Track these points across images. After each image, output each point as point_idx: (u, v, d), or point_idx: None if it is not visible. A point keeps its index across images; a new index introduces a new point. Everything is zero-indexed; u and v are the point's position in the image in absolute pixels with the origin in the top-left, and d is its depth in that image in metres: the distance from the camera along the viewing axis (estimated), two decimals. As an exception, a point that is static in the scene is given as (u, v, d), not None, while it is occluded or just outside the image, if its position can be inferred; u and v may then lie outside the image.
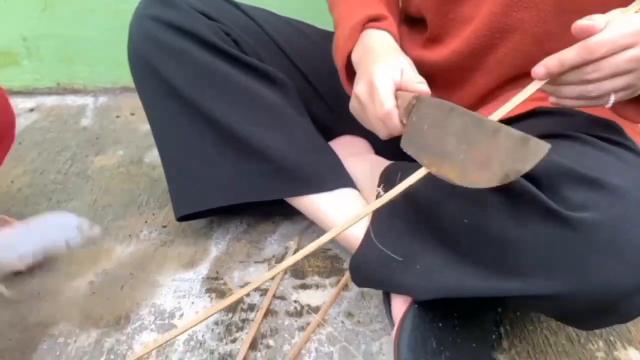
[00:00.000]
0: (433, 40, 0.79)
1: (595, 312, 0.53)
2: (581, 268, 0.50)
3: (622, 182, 0.52)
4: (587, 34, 0.52)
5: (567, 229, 0.51)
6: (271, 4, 0.97)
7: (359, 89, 0.66)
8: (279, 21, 0.91)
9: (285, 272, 0.85)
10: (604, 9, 0.60)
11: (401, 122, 0.63)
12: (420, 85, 0.62)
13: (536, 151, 0.49)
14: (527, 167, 0.49)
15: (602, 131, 0.62)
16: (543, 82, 0.55)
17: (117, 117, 1.30)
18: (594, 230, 0.50)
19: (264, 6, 0.91)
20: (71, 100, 1.39)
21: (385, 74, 0.63)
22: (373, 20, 0.73)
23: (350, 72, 0.73)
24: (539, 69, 0.54)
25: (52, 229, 0.70)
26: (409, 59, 0.70)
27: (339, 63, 0.74)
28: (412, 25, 0.87)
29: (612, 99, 0.55)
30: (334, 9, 0.80)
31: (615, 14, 0.54)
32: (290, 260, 0.63)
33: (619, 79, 0.53)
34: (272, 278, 0.82)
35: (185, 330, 0.65)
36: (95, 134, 1.24)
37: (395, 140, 0.92)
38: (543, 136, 0.65)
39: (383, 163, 0.86)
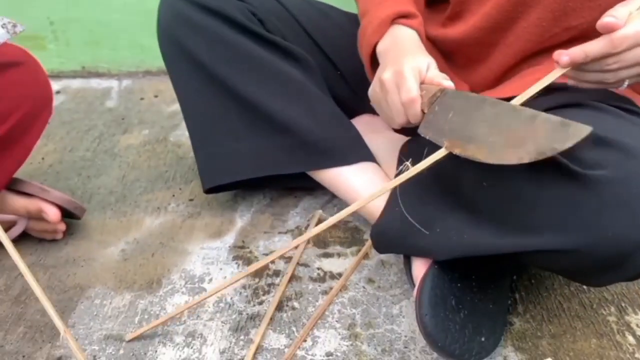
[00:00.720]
0: (453, 17, 0.82)
1: (607, 267, 0.57)
2: (595, 223, 0.54)
3: (633, 142, 0.55)
4: (611, 30, 0.57)
5: (581, 187, 0.54)
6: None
7: (386, 75, 0.70)
8: (303, 2, 0.95)
9: (308, 242, 0.89)
10: None
11: (422, 111, 0.67)
12: (445, 81, 0.66)
13: (577, 132, 0.51)
14: (565, 146, 0.51)
15: (617, 100, 0.66)
16: (565, 69, 0.60)
17: (142, 99, 1.35)
18: (606, 187, 0.53)
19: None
20: (96, 83, 1.44)
21: (413, 65, 0.68)
22: (403, 17, 0.75)
23: (374, 63, 0.77)
24: (563, 58, 0.59)
25: None
26: (434, 60, 0.73)
27: (365, 52, 0.77)
28: (433, 6, 0.90)
29: (627, 83, 0.61)
30: None
31: (636, 5, 0.58)
32: (315, 229, 0.68)
33: (636, 68, 0.58)
34: (296, 247, 0.86)
35: (215, 293, 0.70)
36: (121, 115, 1.28)
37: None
38: (559, 107, 0.69)
39: (402, 139, 0.91)
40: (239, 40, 0.86)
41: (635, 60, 0.57)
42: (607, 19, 0.57)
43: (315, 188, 0.95)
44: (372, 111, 1.03)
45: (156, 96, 1.35)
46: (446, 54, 0.89)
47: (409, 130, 0.86)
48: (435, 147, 0.63)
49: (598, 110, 0.63)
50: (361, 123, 0.99)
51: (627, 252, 0.55)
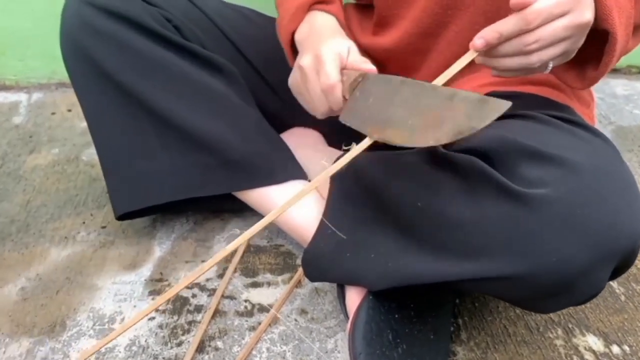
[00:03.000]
0: (382, 24, 0.79)
1: (552, 293, 0.54)
2: (537, 246, 0.51)
3: (575, 157, 0.52)
4: (523, 6, 0.53)
5: (521, 207, 0.51)
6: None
7: (304, 60, 0.67)
8: (224, 7, 0.89)
9: (235, 270, 0.83)
10: None
11: (344, 97, 0.64)
12: (366, 64, 0.63)
13: (495, 108, 0.48)
14: (483, 124, 0.49)
15: (557, 110, 0.63)
16: (476, 53, 0.56)
17: (53, 114, 1.25)
18: (548, 206, 0.50)
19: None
20: (2, 97, 1.33)
21: (332, 49, 0.64)
22: (320, 3, 0.73)
23: (295, 53, 0.73)
24: (478, 41, 0.55)
25: None
26: (354, 43, 0.70)
27: (284, 40, 0.74)
28: (361, 12, 0.87)
29: (550, 65, 0.57)
30: None
31: None
32: (233, 244, 0.61)
33: (557, 46, 0.54)
34: (219, 276, 0.80)
35: (124, 331, 0.62)
36: (29, 132, 1.18)
37: (346, 130, 0.92)
38: (500, 117, 0.66)
39: (336, 154, 0.86)
40: (151, 49, 0.79)
41: (554, 36, 0.53)
42: None
43: (244, 209, 0.89)
44: (304, 124, 0.99)
45: (69, 110, 1.26)
46: (379, 62, 0.86)
47: (347, 139, 0.82)
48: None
49: (537, 122, 0.60)
50: (292, 137, 0.94)
51: (573, 276, 0.52)
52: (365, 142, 0.58)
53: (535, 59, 0.54)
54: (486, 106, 0.49)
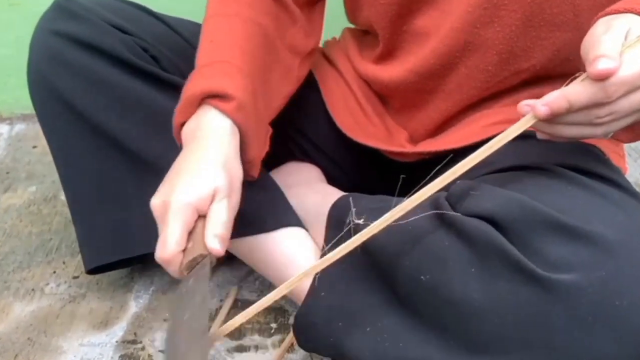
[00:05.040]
0: (386, 56, 0.72)
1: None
2: (564, 344, 0.43)
3: (609, 231, 0.44)
4: (609, 76, 0.44)
5: (544, 295, 0.43)
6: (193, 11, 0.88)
7: (155, 202, 0.55)
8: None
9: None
10: (575, 21, 0.53)
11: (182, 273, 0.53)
12: (213, 241, 0.51)
13: None
14: None
15: (582, 160, 0.55)
16: (534, 120, 0.47)
17: (34, 147, 1.19)
18: (577, 296, 0.42)
19: (186, 16, 0.83)
20: (-18, 128, 1.28)
21: (184, 201, 0.52)
22: (215, 97, 0.59)
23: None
24: (541, 109, 0.46)
25: None
26: (239, 171, 0.58)
27: (174, 130, 0.62)
28: (362, 38, 0.80)
29: (612, 134, 0.49)
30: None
31: (624, 34, 0.47)
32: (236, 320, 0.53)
33: (629, 117, 0.47)
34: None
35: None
36: (6, 168, 1.12)
37: (348, 165, 0.84)
38: (512, 168, 0.58)
39: (336, 194, 0.77)
40: (125, 83, 0.72)
41: (630, 109, 0.45)
42: (602, 63, 0.43)
43: (232, 258, 0.82)
44: (300, 158, 0.91)
45: (52, 144, 1.20)
46: (382, 94, 0.79)
47: (352, 175, 0.73)
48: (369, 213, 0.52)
49: (560, 179, 0.52)
50: (286, 173, 0.86)
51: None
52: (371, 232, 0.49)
53: (602, 130, 0.47)
54: None
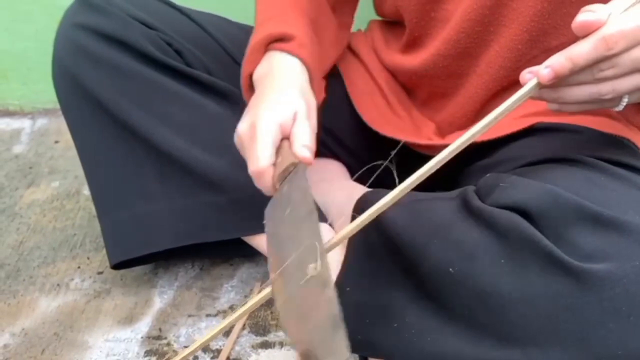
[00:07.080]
0: (413, 44, 0.72)
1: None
2: (598, 336, 0.42)
3: None
4: (591, 28, 0.45)
5: (577, 285, 0.43)
6: (218, 7, 0.89)
7: (242, 127, 0.58)
8: (229, 25, 0.83)
9: (243, 326, 0.76)
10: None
11: (274, 186, 0.55)
12: (303, 150, 0.54)
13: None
14: None
15: (615, 152, 0.54)
16: (538, 86, 0.47)
17: (57, 142, 1.21)
18: (611, 286, 0.42)
19: (210, 10, 0.83)
20: (5, 123, 1.30)
21: (271, 120, 0.55)
22: (278, 41, 0.64)
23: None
24: (544, 72, 0.46)
25: None
26: (313, 99, 0.62)
27: (242, 84, 0.66)
28: (387, 29, 0.80)
29: (625, 100, 0.48)
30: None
31: (616, 5, 0.47)
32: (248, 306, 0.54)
33: (636, 76, 0.46)
34: (225, 334, 0.73)
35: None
36: (29, 163, 1.14)
37: (372, 162, 0.84)
38: (543, 161, 0.58)
39: (360, 190, 0.78)
40: (149, 77, 0.73)
41: (634, 65, 0.45)
42: (584, 15, 0.45)
43: (256, 253, 0.82)
44: (324, 153, 0.92)
45: (74, 138, 1.22)
46: (408, 86, 0.78)
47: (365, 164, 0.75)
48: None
49: (591, 170, 0.52)
50: (311, 170, 0.87)
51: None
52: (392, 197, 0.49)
53: (607, 88, 0.46)
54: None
